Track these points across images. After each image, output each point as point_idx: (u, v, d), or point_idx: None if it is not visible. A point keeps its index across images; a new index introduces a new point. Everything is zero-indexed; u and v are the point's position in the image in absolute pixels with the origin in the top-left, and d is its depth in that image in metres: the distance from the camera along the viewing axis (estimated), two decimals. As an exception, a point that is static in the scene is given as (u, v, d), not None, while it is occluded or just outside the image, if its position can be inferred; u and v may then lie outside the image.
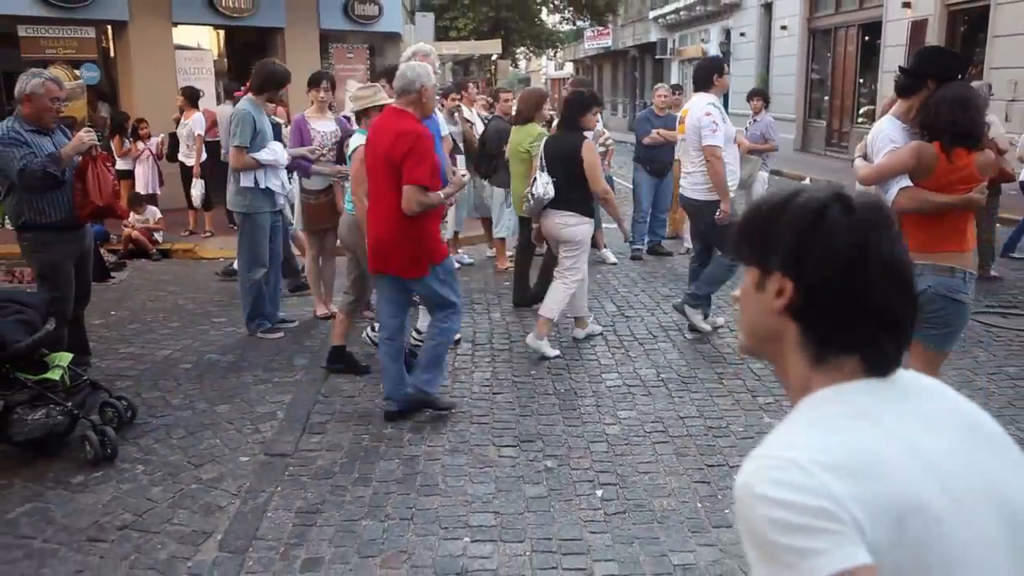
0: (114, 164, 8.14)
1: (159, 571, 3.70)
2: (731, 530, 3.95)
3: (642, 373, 6.10)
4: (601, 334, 6.98)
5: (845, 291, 1.26)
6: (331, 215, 7.16)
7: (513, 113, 9.71)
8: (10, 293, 5.45)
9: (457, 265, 9.54)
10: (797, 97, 22.91)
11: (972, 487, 1.19)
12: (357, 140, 5.76)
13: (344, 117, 7.51)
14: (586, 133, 6.68)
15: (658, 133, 9.70)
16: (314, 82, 7.36)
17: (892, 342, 1.29)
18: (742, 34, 27.69)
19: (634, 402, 5.55)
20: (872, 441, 1.18)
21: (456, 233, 9.57)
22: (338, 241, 7.29)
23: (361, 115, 5.97)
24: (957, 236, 3.99)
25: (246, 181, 6.67)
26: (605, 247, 9.77)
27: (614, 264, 9.60)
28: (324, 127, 7.22)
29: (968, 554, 1.14)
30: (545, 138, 6.81)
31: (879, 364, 1.29)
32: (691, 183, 6.79)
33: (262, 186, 6.70)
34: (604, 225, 10.17)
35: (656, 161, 9.93)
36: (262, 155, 6.60)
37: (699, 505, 4.21)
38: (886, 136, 4.22)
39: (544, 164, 6.42)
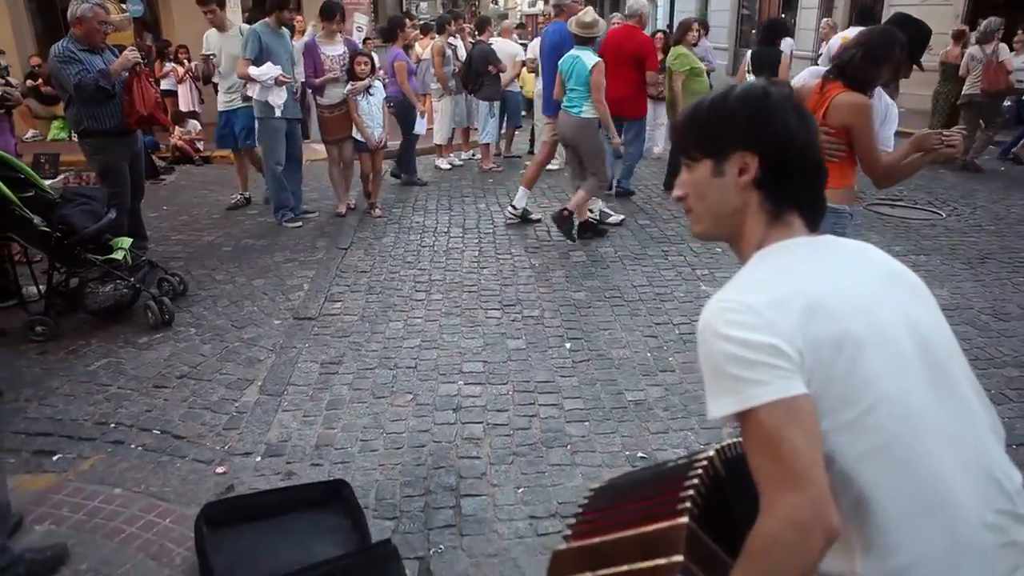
0: (157, 83, 7.75)
1: (212, 410, 3.69)
2: (674, 373, 3.97)
3: (602, 251, 6.03)
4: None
5: (798, 154, 1.26)
6: (345, 127, 6.88)
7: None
8: (77, 189, 5.27)
9: (448, 166, 9.37)
10: (730, 28, 22.19)
11: (890, 318, 1.20)
12: (592, 59, 5.93)
13: (347, 39, 7.20)
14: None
15: None
16: (326, 13, 6.95)
17: (822, 194, 1.32)
18: (686, -26, 26.68)
19: (595, 274, 5.50)
20: (812, 282, 1.19)
21: (451, 139, 9.36)
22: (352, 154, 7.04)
23: (588, 40, 6.04)
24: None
25: (251, 92, 6.50)
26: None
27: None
28: (333, 50, 6.78)
29: (887, 372, 1.15)
30: (751, 50, 7.56)
31: (815, 214, 1.31)
32: None
33: (262, 99, 6.44)
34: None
35: None
36: (253, 70, 6.31)
37: (648, 354, 4.21)
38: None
39: (751, 68, 7.22)
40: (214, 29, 7.27)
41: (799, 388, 1.09)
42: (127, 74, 5.24)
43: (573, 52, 6.03)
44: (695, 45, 8.16)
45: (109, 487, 3.05)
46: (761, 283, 1.20)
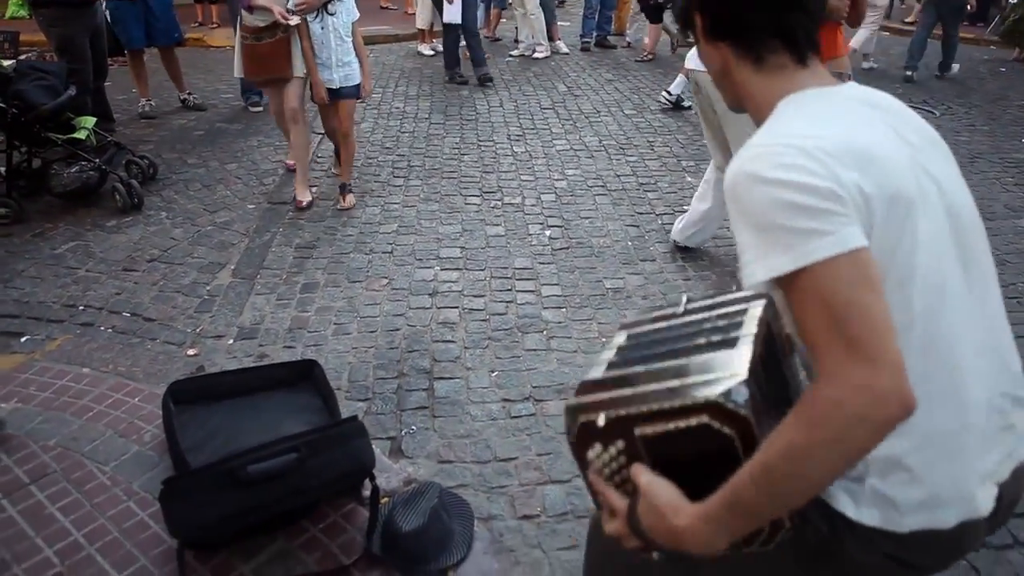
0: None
1: (184, 293, 3.61)
2: (654, 263, 3.91)
3: (586, 140, 5.85)
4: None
5: None
6: (281, 63, 4.21)
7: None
8: (32, 63, 4.96)
9: (431, 52, 9.00)
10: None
11: (931, 183, 1.08)
12: None
13: None
14: None
15: None
16: None
17: (802, 25, 1.14)
18: None
19: (579, 163, 5.35)
20: (861, 133, 1.04)
21: (433, 25, 8.95)
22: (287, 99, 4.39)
23: None
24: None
25: None
26: (559, 39, 9.20)
27: (566, 53, 9.05)
28: None
29: (926, 239, 1.03)
30: None
31: (795, 45, 1.14)
32: None
33: None
34: (559, 22, 9.58)
35: None
36: None
37: (629, 243, 4.14)
38: None
39: None
40: None
41: (862, 240, 0.94)
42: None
43: None
44: None
45: (77, 367, 2.99)
46: (803, 126, 1.04)
